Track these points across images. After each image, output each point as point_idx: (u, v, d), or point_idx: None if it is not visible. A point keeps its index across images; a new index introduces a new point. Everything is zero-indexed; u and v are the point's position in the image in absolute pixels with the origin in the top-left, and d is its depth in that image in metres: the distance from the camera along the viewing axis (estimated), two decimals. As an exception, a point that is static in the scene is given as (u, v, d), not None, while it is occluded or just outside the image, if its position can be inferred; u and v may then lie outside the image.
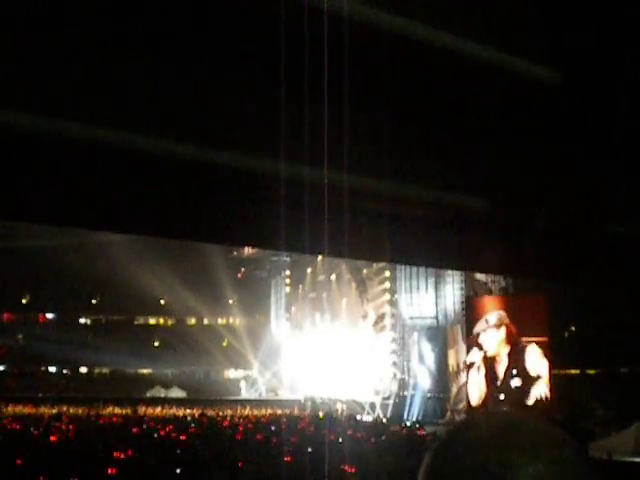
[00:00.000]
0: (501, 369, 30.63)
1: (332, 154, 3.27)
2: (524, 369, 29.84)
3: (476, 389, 31.77)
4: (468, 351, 33.18)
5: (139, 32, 3.12)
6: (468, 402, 32.77)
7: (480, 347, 31.16)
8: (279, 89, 3.08)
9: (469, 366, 31.71)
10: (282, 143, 3.18)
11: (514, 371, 30.11)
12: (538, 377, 29.57)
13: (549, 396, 29.09)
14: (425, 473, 1.22)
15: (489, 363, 30.93)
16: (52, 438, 24.45)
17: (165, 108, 3.38)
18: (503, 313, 30.96)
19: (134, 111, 3.33)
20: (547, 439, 1.18)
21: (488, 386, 31.05)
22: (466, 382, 33.46)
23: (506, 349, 30.54)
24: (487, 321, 31.14)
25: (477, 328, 31.47)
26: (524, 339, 30.11)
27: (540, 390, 29.44)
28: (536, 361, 29.71)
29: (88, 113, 3.12)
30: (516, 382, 30.22)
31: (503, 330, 30.65)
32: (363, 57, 3.23)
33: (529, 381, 29.78)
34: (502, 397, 30.50)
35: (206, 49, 3.34)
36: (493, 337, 30.87)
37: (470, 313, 34.03)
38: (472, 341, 32.11)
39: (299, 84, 3.09)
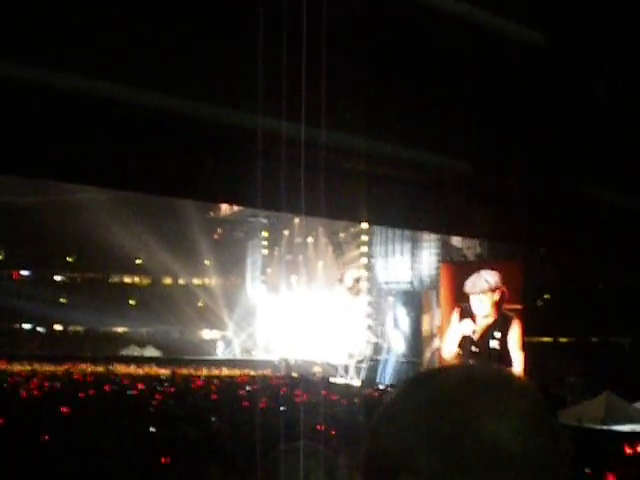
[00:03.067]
0: (480, 331, 30.44)
1: (311, 111, 3.23)
2: (505, 338, 29.76)
3: (451, 352, 31.73)
4: (443, 317, 33.28)
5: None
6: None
7: (472, 316, 30.50)
8: (257, 43, 3.02)
9: (463, 340, 31.08)
10: (260, 99, 3.13)
11: (496, 334, 29.95)
12: (516, 348, 29.58)
13: (522, 366, 29.19)
14: (370, 438, 1.09)
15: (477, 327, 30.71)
16: (24, 395, 24.42)
17: (142, 61, 3.32)
18: (498, 274, 30.32)
19: (114, 63, 3.26)
20: (513, 393, 1.05)
21: (462, 349, 31.01)
22: (441, 347, 33.66)
23: (494, 313, 30.25)
24: (487, 281, 30.28)
25: (476, 287, 30.61)
26: (505, 307, 29.96)
27: (516, 359, 29.40)
28: (517, 336, 29.63)
29: (68, 63, 3.05)
30: (495, 344, 30.15)
31: (498, 293, 30.29)
32: (344, 13, 3.17)
33: (506, 348, 29.73)
34: (474, 349, 30.37)
35: (188, 5, 3.27)
36: (489, 300, 30.32)
37: (445, 278, 34.17)
38: (450, 309, 31.91)
39: (278, 39, 3.04)
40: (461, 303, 31.38)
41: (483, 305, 30.32)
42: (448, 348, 31.86)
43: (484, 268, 31.90)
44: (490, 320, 30.25)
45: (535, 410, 1.05)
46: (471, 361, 29.95)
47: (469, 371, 1.11)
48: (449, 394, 1.04)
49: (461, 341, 30.92)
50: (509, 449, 0.99)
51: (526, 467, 1.00)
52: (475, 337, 30.49)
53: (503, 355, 29.30)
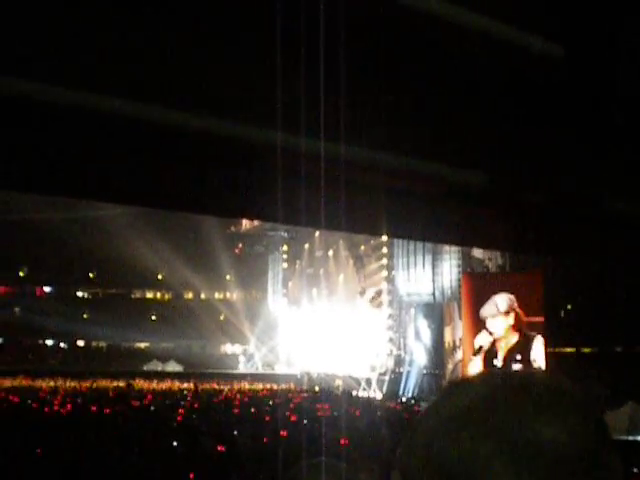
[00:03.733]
0: (502, 353, 30.34)
1: (330, 125, 3.23)
2: (528, 358, 29.61)
3: (474, 369, 31.65)
4: (465, 329, 33.17)
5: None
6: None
7: (489, 332, 30.58)
8: (276, 57, 3.03)
9: (477, 350, 31.06)
10: (279, 113, 3.14)
11: (518, 356, 29.84)
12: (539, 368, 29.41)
13: None
14: (402, 453, 1.06)
15: (495, 346, 30.61)
16: (49, 411, 24.54)
17: (160, 76, 3.33)
18: (513, 297, 30.36)
19: (130, 78, 3.28)
20: (570, 402, 1.03)
21: (485, 367, 30.91)
22: (462, 359, 33.52)
23: (514, 335, 30.12)
24: (497, 306, 30.44)
25: (485, 312, 30.76)
26: (527, 320, 29.80)
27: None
28: (541, 354, 29.49)
29: (83, 80, 3.08)
30: (516, 367, 30.07)
31: (512, 316, 30.25)
32: (361, 26, 3.18)
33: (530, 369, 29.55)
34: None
35: (202, 16, 3.29)
36: (502, 323, 30.33)
37: (466, 290, 34.06)
38: (479, 324, 31.78)
39: (296, 52, 3.05)
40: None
41: (497, 328, 30.31)
42: (471, 365, 31.75)
43: (505, 279, 31.86)
44: (511, 343, 30.14)
45: (594, 418, 1.05)
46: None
47: (517, 375, 1.09)
48: (490, 398, 1.02)
49: (484, 361, 30.80)
50: (570, 458, 0.98)
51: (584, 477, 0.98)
52: (498, 361, 30.38)
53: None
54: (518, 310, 29.97)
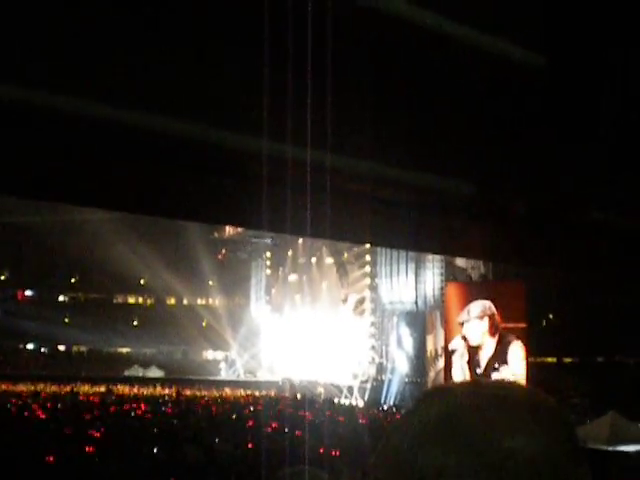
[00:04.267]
0: (484, 359, 30.41)
1: (315, 133, 3.26)
2: (506, 364, 29.68)
3: (460, 375, 31.63)
4: (447, 337, 33.23)
5: (125, 11, 3.10)
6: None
7: (464, 337, 30.71)
8: (262, 65, 3.05)
9: (451, 352, 31.34)
10: (265, 121, 3.16)
11: (496, 364, 29.89)
12: (517, 374, 29.43)
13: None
14: (374, 461, 1.06)
15: (472, 351, 30.70)
16: (28, 415, 24.39)
17: (147, 83, 3.35)
18: (488, 303, 30.44)
19: (117, 85, 3.29)
20: (542, 411, 1.03)
21: (471, 374, 30.94)
22: (444, 367, 33.54)
23: (491, 340, 30.20)
24: (469, 312, 30.63)
25: (460, 318, 30.99)
26: (505, 325, 29.84)
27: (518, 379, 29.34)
28: (518, 358, 29.52)
29: (73, 86, 3.09)
30: (497, 375, 30.11)
31: (486, 321, 30.33)
32: (349, 39, 3.21)
33: (509, 376, 29.63)
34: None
35: (190, 27, 3.31)
36: (476, 328, 30.48)
37: (448, 299, 34.12)
38: (454, 330, 31.89)
39: (284, 63, 3.07)
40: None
41: (471, 334, 30.41)
42: (455, 370, 31.74)
43: (487, 288, 31.93)
44: (491, 350, 30.19)
45: (564, 431, 1.04)
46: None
47: (492, 386, 1.09)
48: (465, 408, 1.02)
49: (470, 370, 30.81)
50: (541, 472, 0.98)
51: None
52: (480, 369, 30.41)
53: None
54: (495, 315, 30.02)
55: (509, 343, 29.70)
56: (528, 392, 1.07)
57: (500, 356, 29.84)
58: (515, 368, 29.38)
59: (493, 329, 29.98)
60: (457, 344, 30.96)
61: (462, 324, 30.72)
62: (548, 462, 0.99)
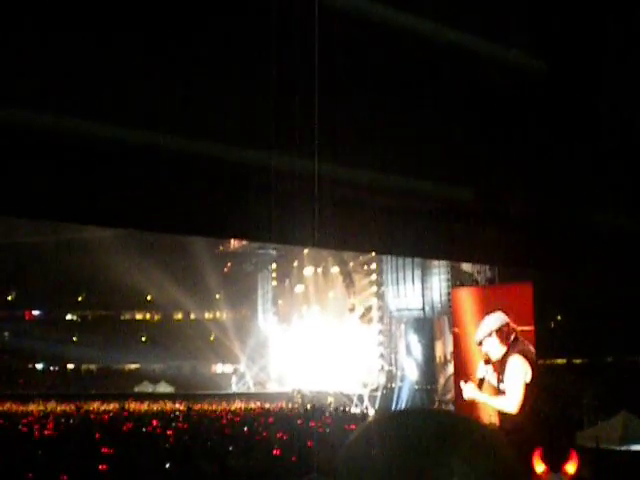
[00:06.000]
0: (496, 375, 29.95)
1: (321, 146, 3.29)
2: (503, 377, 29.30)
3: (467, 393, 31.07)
4: (456, 343, 33.09)
5: (126, 24, 3.13)
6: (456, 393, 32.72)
7: (486, 360, 29.89)
8: (267, 79, 3.09)
9: (480, 382, 30.49)
10: (270, 134, 3.20)
11: (500, 377, 29.52)
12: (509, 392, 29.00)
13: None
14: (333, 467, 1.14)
15: (498, 368, 30.12)
16: (40, 435, 24.40)
17: (150, 100, 3.39)
18: (503, 315, 30.00)
19: (120, 103, 3.33)
20: (482, 445, 1.07)
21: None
22: (453, 374, 33.42)
23: (503, 350, 29.78)
24: (486, 327, 29.95)
25: (477, 337, 30.27)
26: (519, 329, 29.42)
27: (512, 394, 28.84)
28: (514, 374, 29.11)
29: (76, 106, 3.13)
30: (503, 387, 29.70)
31: (495, 336, 29.87)
32: (350, 48, 3.24)
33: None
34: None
35: (193, 42, 3.34)
36: (497, 343, 29.88)
37: (456, 304, 34.07)
38: (469, 338, 31.38)
39: (287, 75, 3.11)
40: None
41: (492, 348, 29.96)
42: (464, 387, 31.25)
43: (494, 292, 31.82)
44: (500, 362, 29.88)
45: (500, 457, 1.07)
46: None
47: (433, 414, 1.16)
48: (417, 435, 1.07)
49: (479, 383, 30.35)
50: None
51: None
52: (493, 379, 30.02)
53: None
54: (509, 324, 29.62)
55: (509, 356, 29.23)
56: (467, 422, 1.12)
57: (501, 371, 29.44)
58: (508, 385, 28.84)
59: (503, 338, 29.51)
60: (483, 371, 30.12)
61: (481, 343, 30.06)
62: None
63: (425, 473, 1.03)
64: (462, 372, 31.66)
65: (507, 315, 30.00)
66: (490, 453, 1.07)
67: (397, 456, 1.06)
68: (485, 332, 29.82)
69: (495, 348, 29.63)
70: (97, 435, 23.34)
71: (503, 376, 29.45)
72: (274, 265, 59.14)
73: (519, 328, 29.66)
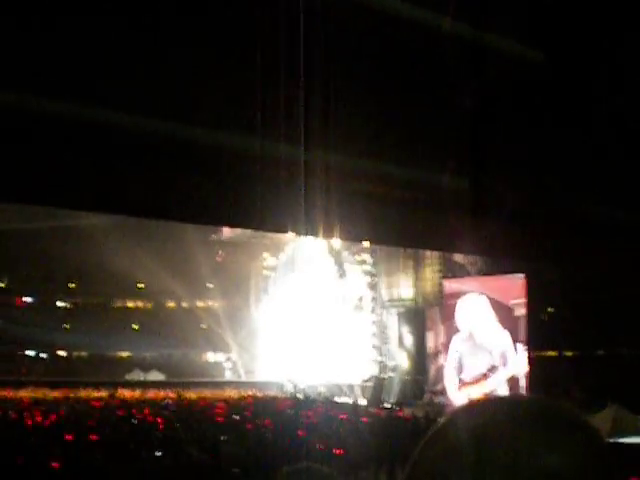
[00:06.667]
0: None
1: (310, 133, 3.25)
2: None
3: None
4: (449, 333, 33.18)
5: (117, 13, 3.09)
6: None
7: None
8: (255, 64, 3.05)
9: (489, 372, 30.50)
10: (260, 120, 3.16)
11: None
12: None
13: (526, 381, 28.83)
14: (412, 467, 1.05)
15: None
16: (30, 422, 24.38)
17: (140, 84, 3.34)
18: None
19: (113, 87, 3.29)
20: (568, 426, 1.02)
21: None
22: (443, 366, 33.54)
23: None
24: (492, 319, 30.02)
25: (483, 332, 30.28)
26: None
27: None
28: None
29: (69, 89, 3.08)
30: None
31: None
32: (341, 33, 3.20)
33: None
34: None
35: (182, 26, 3.30)
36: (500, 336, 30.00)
37: (447, 295, 34.17)
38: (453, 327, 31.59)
39: (275, 62, 3.07)
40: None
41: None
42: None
43: (486, 283, 31.93)
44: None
45: (599, 451, 1.02)
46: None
47: (518, 402, 1.08)
48: (500, 425, 1.01)
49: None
50: None
51: None
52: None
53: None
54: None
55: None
56: (562, 410, 1.06)
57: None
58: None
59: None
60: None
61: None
62: (575, 474, 0.98)
63: (519, 468, 0.97)
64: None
65: (498, 306, 30.12)
66: (586, 441, 1.02)
67: (485, 451, 0.99)
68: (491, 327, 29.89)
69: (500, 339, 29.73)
70: (88, 422, 23.33)
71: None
72: (266, 254, 59.17)
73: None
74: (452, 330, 32.35)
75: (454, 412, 1.09)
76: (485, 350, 30.28)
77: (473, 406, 1.10)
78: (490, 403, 1.10)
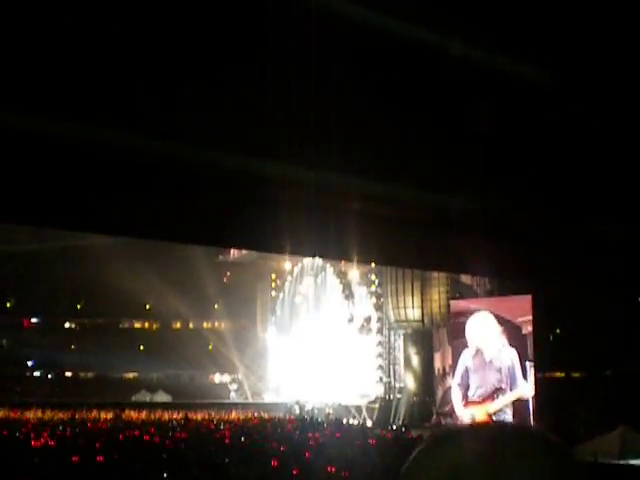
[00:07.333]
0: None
1: (316, 154, 3.28)
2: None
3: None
4: (457, 354, 33.03)
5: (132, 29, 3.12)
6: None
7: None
8: (266, 92, 3.08)
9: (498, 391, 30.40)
10: (266, 142, 3.18)
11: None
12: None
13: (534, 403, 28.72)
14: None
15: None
16: (37, 443, 24.31)
17: (150, 107, 3.37)
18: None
19: (124, 109, 3.32)
20: (541, 452, 1.03)
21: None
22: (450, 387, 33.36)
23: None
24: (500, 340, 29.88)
25: (492, 349, 30.13)
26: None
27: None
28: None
29: (76, 111, 3.11)
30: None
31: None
32: (350, 55, 3.23)
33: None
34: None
35: (195, 50, 3.33)
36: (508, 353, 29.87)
37: (455, 316, 34.02)
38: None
39: (284, 86, 3.09)
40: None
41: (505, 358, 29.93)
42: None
43: (494, 304, 31.80)
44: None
45: (566, 468, 1.04)
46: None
47: (496, 430, 1.10)
48: (477, 452, 1.03)
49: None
50: None
51: None
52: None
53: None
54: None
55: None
56: (538, 436, 1.07)
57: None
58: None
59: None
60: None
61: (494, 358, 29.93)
62: None
63: None
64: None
65: (506, 327, 29.99)
66: (554, 460, 1.03)
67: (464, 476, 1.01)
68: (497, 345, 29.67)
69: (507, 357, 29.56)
70: (94, 444, 23.26)
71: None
72: (273, 275, 59.12)
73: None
74: (460, 350, 32.16)
75: (431, 443, 1.10)
76: (493, 368, 30.12)
77: (448, 436, 1.11)
78: (463, 432, 1.11)
